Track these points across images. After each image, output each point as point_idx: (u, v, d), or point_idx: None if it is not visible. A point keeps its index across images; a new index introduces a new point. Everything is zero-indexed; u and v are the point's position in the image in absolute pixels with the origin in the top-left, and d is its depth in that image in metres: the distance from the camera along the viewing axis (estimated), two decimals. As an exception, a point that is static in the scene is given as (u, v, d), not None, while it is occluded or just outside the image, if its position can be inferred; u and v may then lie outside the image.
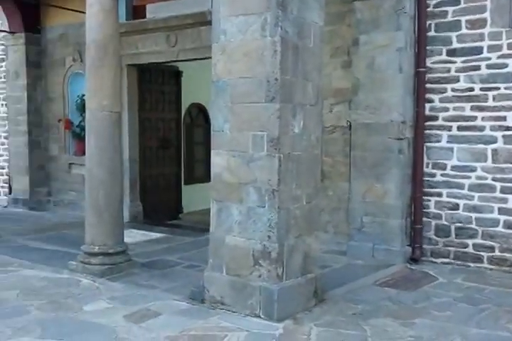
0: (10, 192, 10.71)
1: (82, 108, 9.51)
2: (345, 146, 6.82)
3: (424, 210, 6.54)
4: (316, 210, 5.05)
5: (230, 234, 4.82)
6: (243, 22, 4.62)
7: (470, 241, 6.32)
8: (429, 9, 6.41)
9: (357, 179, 6.63)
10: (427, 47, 6.43)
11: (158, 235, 8.19)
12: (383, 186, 6.47)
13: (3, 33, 10.40)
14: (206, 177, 10.67)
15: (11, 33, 10.17)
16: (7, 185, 10.83)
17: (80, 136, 9.73)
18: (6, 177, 10.92)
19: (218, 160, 4.87)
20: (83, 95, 9.41)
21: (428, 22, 6.42)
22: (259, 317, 4.66)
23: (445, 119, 6.42)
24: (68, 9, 9.13)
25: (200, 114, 10.93)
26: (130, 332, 4.44)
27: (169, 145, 9.79)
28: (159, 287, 5.58)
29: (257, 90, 4.58)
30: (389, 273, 6.11)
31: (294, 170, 4.69)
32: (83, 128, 9.48)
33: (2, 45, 10.69)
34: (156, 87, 9.46)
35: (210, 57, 8.05)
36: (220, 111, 4.83)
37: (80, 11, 8.52)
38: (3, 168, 11.05)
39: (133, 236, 7.64)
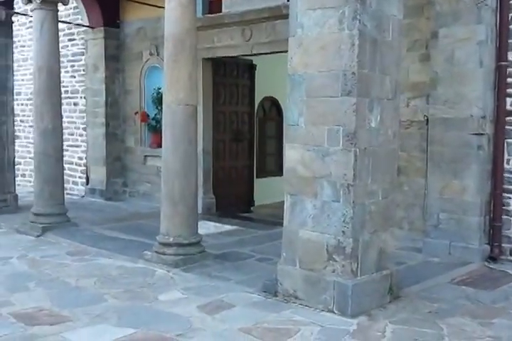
0: (87, 183, 11.02)
1: (157, 101, 9.74)
2: (422, 141, 6.70)
3: (504, 208, 6.33)
4: (392, 206, 5.01)
5: (304, 227, 4.84)
6: (320, 15, 4.61)
7: (552, 241, 6.10)
8: (511, 1, 6.19)
9: (434, 175, 6.50)
10: (509, 41, 6.22)
11: (230, 227, 8.27)
12: (461, 182, 6.31)
13: (84, 28, 10.72)
14: (278, 171, 10.90)
15: (91, 27, 10.49)
16: (85, 176, 11.15)
17: (155, 129, 9.96)
18: (83, 167, 11.23)
19: (292, 154, 4.89)
20: (159, 88, 9.66)
21: (510, 15, 6.21)
22: (332, 312, 4.66)
23: (527, 115, 6.20)
24: (146, 4, 9.34)
25: (273, 108, 10.96)
26: (204, 323, 4.52)
27: (242, 139, 9.88)
28: (232, 279, 5.63)
29: (333, 84, 4.57)
30: (466, 272, 5.98)
31: (370, 164, 4.66)
32: (158, 121, 9.75)
33: (82, 39, 11.02)
34: (230, 80, 9.56)
35: (285, 51, 8.09)
36: (295, 105, 4.85)
37: (157, 6, 8.76)
38: (81, 159, 11.37)
39: (206, 227, 7.72)
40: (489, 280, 5.76)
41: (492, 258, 6.32)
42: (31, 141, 12.18)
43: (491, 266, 6.22)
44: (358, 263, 4.65)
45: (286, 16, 7.56)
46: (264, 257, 6.44)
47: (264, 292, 5.15)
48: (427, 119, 6.60)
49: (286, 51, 7.71)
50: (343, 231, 4.60)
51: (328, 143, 4.63)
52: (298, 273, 4.89)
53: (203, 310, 4.80)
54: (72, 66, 11.38)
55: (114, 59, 10.56)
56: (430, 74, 6.53)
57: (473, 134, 6.25)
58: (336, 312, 4.65)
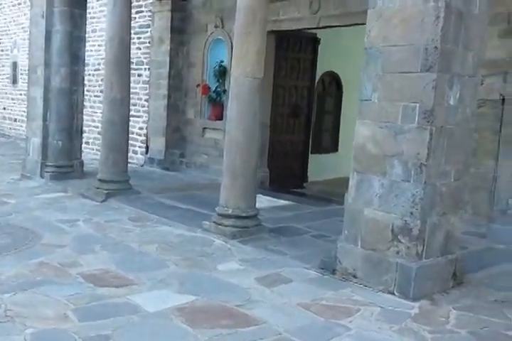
0: (147, 152, 10.94)
1: (220, 74, 9.50)
2: (495, 122, 6.09)
3: None
4: (464, 188, 4.64)
5: (370, 206, 4.53)
6: (404, -14, 4.22)
7: None
8: None
9: (507, 158, 5.95)
10: None
11: (284, 202, 8.02)
12: (538, 167, 5.78)
13: (151, 0, 10.49)
14: (333, 148, 10.53)
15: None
16: (144, 145, 11.07)
17: (215, 102, 9.73)
18: (144, 137, 11.15)
19: (363, 131, 4.56)
20: (221, 61, 9.40)
21: None
22: (392, 294, 4.39)
23: None
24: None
25: (333, 83, 10.52)
26: (263, 295, 4.38)
27: (300, 113, 9.50)
28: (288, 254, 5.44)
29: (412, 59, 4.20)
30: (537, 262, 5.48)
31: (445, 144, 4.30)
32: (219, 94, 9.54)
33: (149, 11, 10.81)
34: (292, 54, 9.16)
35: (354, 24, 7.61)
36: (370, 80, 4.49)
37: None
38: (141, 129, 11.26)
39: (260, 201, 7.41)
40: None
41: None
42: (96, 110, 12.28)
43: None
44: (423, 246, 4.33)
45: (358, -12, 7.14)
46: (320, 234, 6.19)
47: (322, 269, 4.92)
48: (503, 99, 6.02)
49: (355, 24, 7.20)
50: (411, 212, 4.28)
51: (403, 121, 4.28)
52: (359, 252, 4.61)
53: (261, 283, 4.65)
54: (139, 38, 11.16)
55: (179, 31, 10.30)
56: (511, 51, 5.92)
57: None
58: (396, 294, 4.37)
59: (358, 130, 4.60)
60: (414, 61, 4.17)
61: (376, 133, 4.45)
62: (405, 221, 4.31)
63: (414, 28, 4.17)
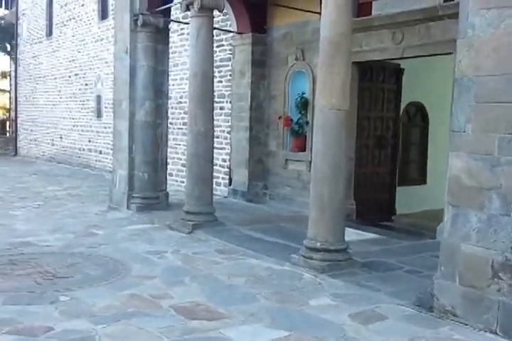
0: (230, 184, 11.16)
1: (301, 106, 9.64)
2: None
3: None
4: None
5: (467, 241, 4.46)
6: (495, 15, 4.22)
7: None
8: None
9: None
10: None
11: (372, 235, 7.94)
12: None
13: (231, 34, 10.87)
14: (420, 179, 10.36)
15: (240, 33, 10.58)
16: (227, 177, 11.31)
17: (297, 133, 9.86)
18: (227, 169, 11.40)
19: (457, 163, 4.53)
20: (303, 93, 9.56)
21: None
22: (495, 333, 4.27)
23: None
24: (294, 8, 9.21)
25: (418, 114, 10.46)
26: (358, 333, 4.36)
27: (385, 145, 9.49)
28: (381, 289, 5.38)
29: (508, 89, 4.16)
30: None
31: (548, 177, 4.20)
32: (301, 126, 9.68)
33: (230, 45, 11.19)
34: (375, 85, 9.21)
35: (439, 54, 7.55)
36: (462, 111, 4.48)
37: (306, 10, 8.65)
38: (224, 161, 11.54)
39: (348, 234, 7.34)
40: None
41: None
42: (179, 142, 12.71)
43: None
44: (527, 284, 4.21)
45: (441, 18, 7.20)
46: (413, 269, 6.10)
47: (418, 306, 4.85)
48: None
49: (440, 54, 7.15)
50: (511, 248, 4.18)
51: (499, 153, 4.22)
52: (457, 289, 4.53)
53: (355, 319, 4.64)
54: (220, 71, 11.55)
55: (260, 64, 10.57)
56: None
57: None
58: (499, 333, 4.26)
59: (452, 162, 4.58)
60: (510, 91, 4.15)
61: (471, 166, 4.42)
62: (506, 257, 4.22)
63: (507, 57, 4.16)
